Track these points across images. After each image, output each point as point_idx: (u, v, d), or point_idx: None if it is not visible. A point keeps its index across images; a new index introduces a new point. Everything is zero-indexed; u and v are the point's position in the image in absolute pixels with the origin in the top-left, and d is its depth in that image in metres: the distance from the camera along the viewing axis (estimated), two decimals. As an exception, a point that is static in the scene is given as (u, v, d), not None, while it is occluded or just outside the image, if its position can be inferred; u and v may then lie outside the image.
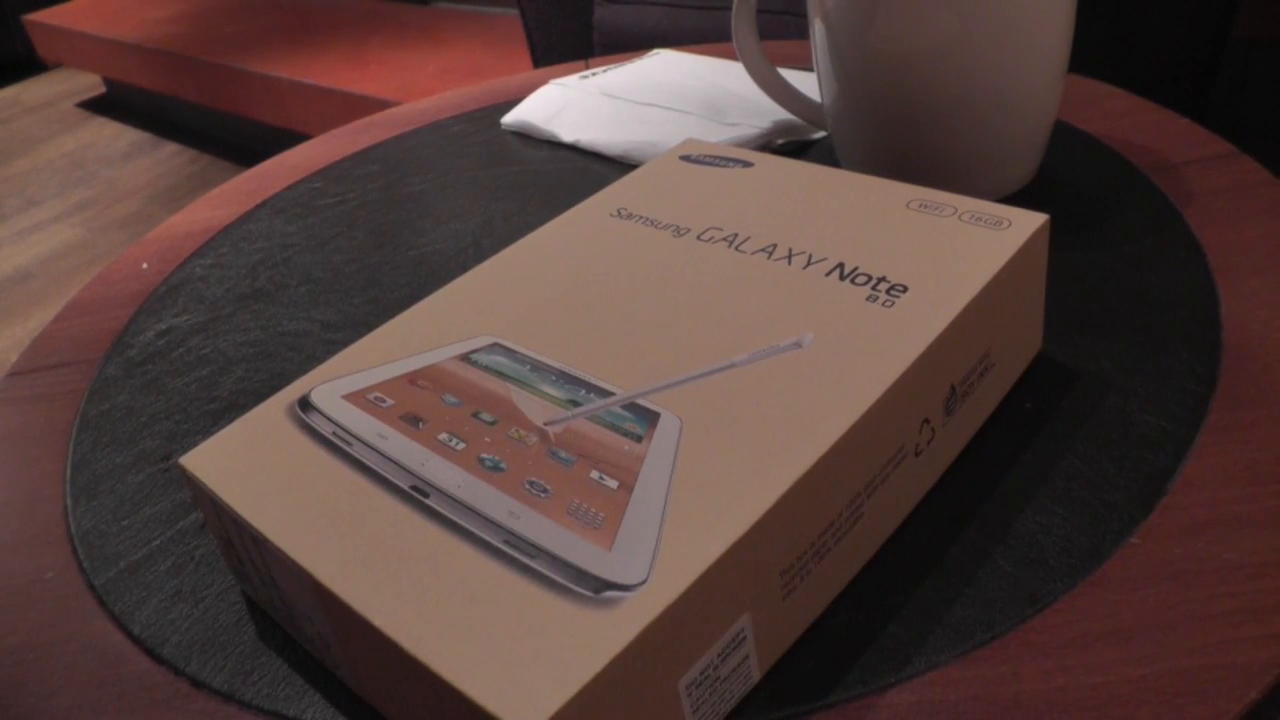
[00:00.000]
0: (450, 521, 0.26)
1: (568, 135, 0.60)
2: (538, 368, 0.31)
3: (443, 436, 0.29)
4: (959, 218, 0.35)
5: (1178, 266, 0.41)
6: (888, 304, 0.31)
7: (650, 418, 0.28)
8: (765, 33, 0.97)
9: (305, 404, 0.32)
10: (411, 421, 0.30)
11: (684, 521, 0.25)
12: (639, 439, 0.28)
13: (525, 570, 0.25)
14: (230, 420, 0.41)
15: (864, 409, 0.27)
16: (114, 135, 2.68)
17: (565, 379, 0.30)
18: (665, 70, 0.65)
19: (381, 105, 1.77)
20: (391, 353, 0.33)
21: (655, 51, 0.70)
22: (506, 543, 0.25)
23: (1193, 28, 0.88)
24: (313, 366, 0.44)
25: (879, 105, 0.45)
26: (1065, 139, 0.51)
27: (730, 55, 0.70)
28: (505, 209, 0.54)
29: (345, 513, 0.27)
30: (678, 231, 0.37)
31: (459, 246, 0.51)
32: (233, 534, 0.30)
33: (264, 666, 0.30)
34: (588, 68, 0.72)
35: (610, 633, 0.23)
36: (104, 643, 0.32)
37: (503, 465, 0.28)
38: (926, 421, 0.30)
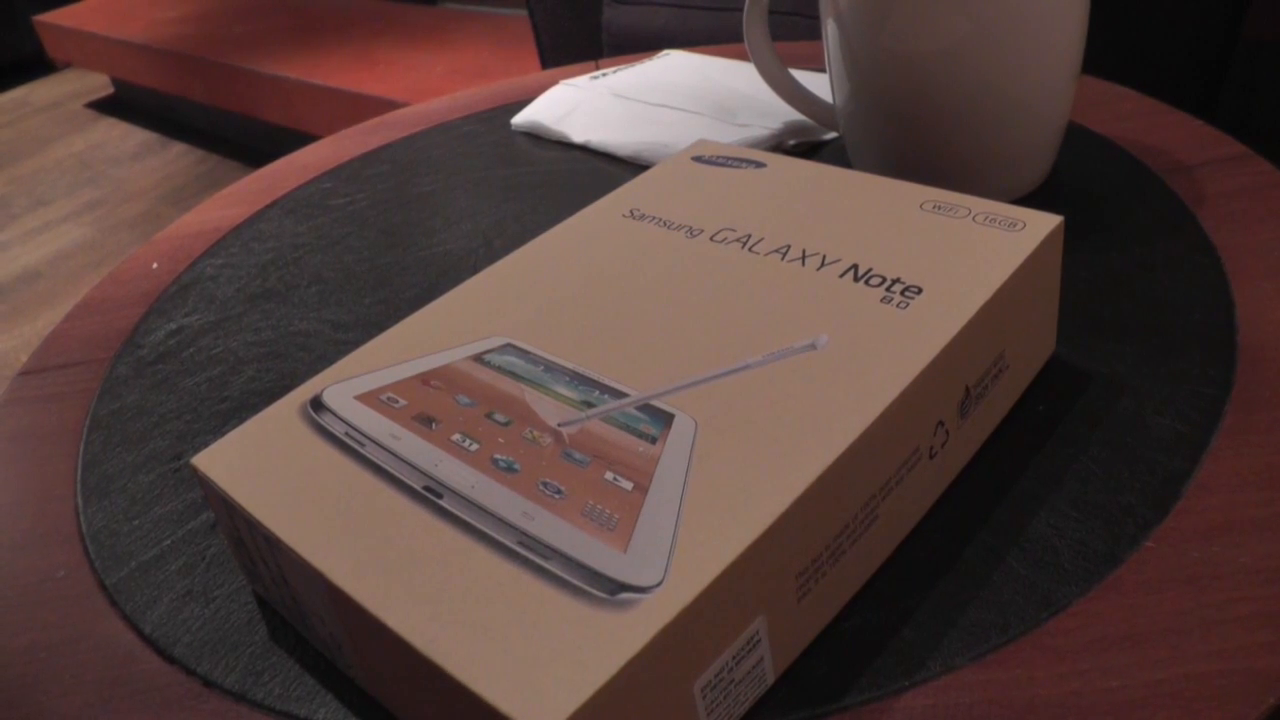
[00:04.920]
0: (464, 522, 0.26)
1: (578, 136, 0.60)
2: (551, 368, 0.31)
3: (456, 437, 0.29)
4: (973, 219, 0.35)
5: (1191, 269, 0.40)
6: (902, 306, 0.31)
7: (665, 419, 0.28)
8: (776, 34, 0.96)
9: (317, 404, 0.32)
10: (424, 422, 0.30)
11: (699, 523, 0.25)
12: (653, 440, 0.28)
13: (540, 572, 0.25)
14: (241, 420, 0.41)
15: (879, 411, 0.27)
16: (123, 135, 2.68)
17: (579, 380, 0.30)
18: (676, 71, 0.65)
19: (390, 106, 1.77)
20: (404, 353, 0.33)
21: (665, 52, 0.70)
22: (520, 544, 0.25)
23: (1202, 28, 0.88)
24: (324, 367, 0.44)
25: (891, 106, 0.45)
26: (1078, 140, 0.51)
27: (739, 56, 0.70)
28: (516, 209, 0.54)
29: (358, 513, 0.27)
30: (691, 232, 0.37)
31: (470, 247, 0.51)
32: (244, 534, 0.30)
33: (276, 667, 0.30)
34: (597, 68, 0.72)
35: (625, 635, 0.23)
36: (115, 642, 0.32)
37: (516, 466, 0.28)
38: (941, 424, 0.30)
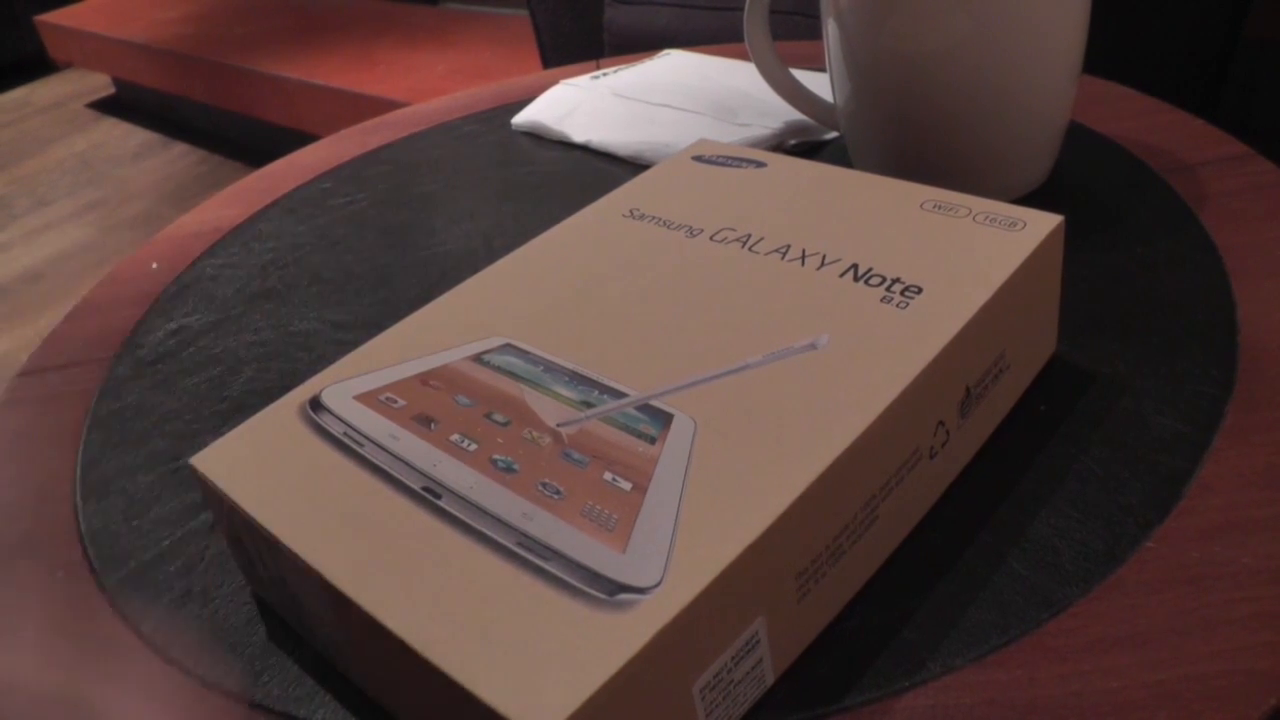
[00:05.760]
0: (462, 523, 0.26)
1: (579, 136, 0.60)
2: (550, 368, 0.31)
3: (455, 437, 0.29)
4: (973, 219, 0.34)
5: (1193, 268, 0.40)
6: (902, 305, 0.31)
7: (664, 419, 0.28)
8: (776, 33, 0.96)
9: (316, 404, 0.32)
10: (423, 422, 0.30)
11: (698, 524, 0.25)
12: (653, 440, 0.28)
13: (539, 572, 0.24)
14: (241, 420, 0.41)
15: (879, 411, 0.27)
16: (124, 135, 2.68)
17: (578, 380, 0.30)
18: (676, 71, 0.65)
19: (391, 106, 1.77)
20: (403, 353, 0.33)
21: (665, 52, 0.69)
22: (519, 545, 0.25)
23: (1202, 28, 0.88)
24: (323, 367, 0.44)
25: (892, 105, 0.45)
26: (1079, 140, 0.51)
27: (740, 55, 0.70)
28: (516, 209, 0.54)
29: (357, 514, 0.27)
30: (691, 232, 0.37)
31: (470, 247, 0.51)
32: (244, 534, 0.30)
33: (275, 668, 0.30)
34: (598, 68, 0.72)
35: (624, 636, 0.23)
36: (114, 643, 0.32)
37: (515, 466, 0.28)
38: (941, 424, 0.30)
